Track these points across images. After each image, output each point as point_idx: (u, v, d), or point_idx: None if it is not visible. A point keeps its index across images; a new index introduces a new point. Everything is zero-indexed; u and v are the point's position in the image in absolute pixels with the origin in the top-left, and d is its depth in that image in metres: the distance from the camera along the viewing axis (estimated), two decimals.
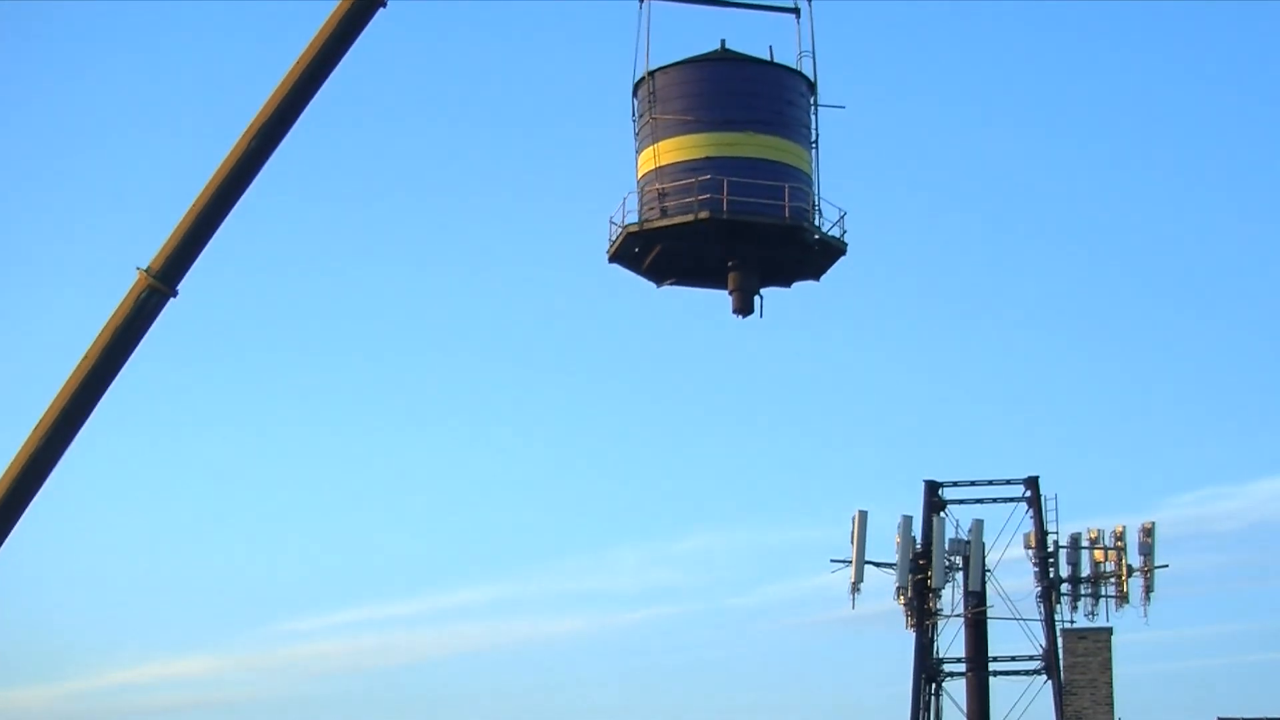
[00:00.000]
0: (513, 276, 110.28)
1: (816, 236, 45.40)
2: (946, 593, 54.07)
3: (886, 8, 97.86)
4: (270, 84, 36.51)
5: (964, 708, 53.80)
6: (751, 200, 44.31)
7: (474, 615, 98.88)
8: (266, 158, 36.12)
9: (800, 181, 45.22)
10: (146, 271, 35.21)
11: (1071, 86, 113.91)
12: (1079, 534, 54.65)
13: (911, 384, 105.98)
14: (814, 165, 46.00)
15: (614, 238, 45.98)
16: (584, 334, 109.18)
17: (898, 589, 54.15)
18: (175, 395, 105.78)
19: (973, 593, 53.65)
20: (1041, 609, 54.15)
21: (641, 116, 46.20)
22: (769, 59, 45.89)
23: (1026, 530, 54.60)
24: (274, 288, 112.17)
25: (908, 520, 54.15)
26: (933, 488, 55.06)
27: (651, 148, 45.59)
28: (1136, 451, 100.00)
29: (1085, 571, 54.29)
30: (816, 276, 47.02)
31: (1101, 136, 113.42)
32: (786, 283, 47.06)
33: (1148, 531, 54.05)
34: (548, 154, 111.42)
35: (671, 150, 45.26)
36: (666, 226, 44.85)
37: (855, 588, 53.73)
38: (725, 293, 46.03)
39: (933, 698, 54.54)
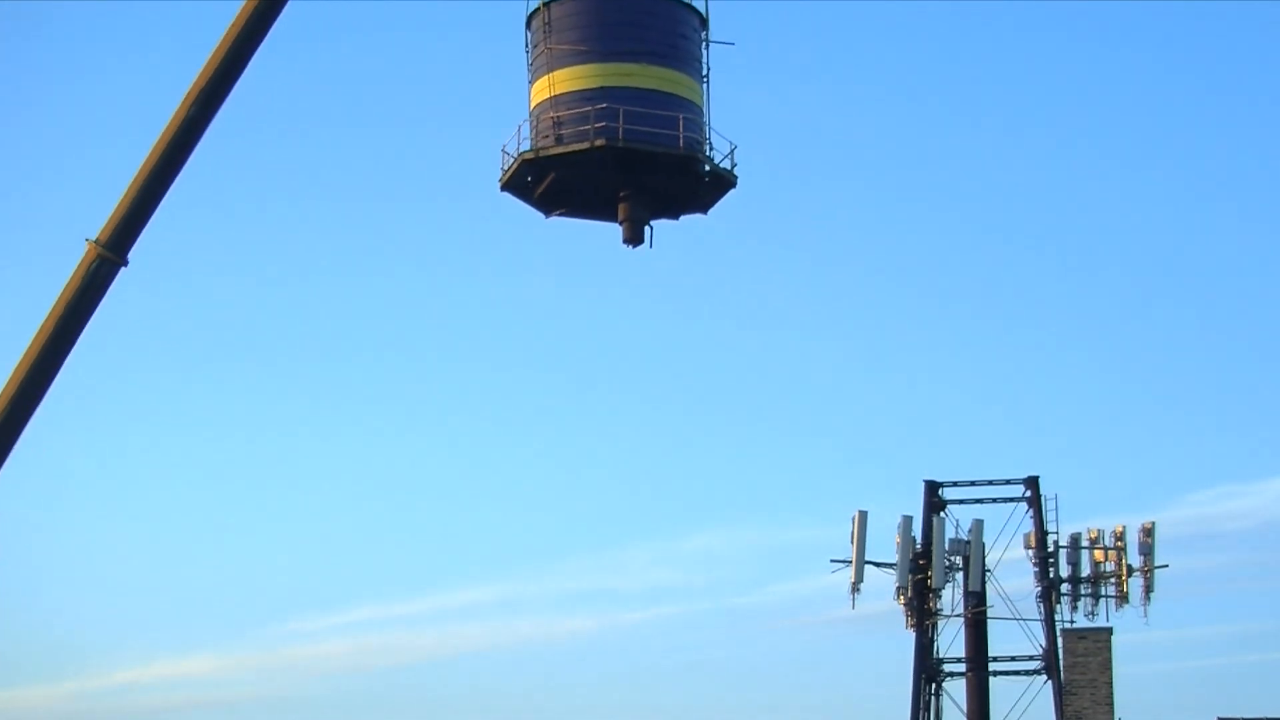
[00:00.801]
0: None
1: (708, 168, 46.01)
2: (946, 593, 54.37)
3: None
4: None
5: (964, 708, 54.14)
6: (647, 130, 44.81)
7: (478, 615, 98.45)
8: (207, 123, 36.51)
9: (693, 113, 45.84)
10: (95, 242, 35.67)
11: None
12: (1079, 534, 54.97)
13: (904, 381, 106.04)
14: (705, 99, 46.65)
15: (506, 166, 46.23)
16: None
17: (898, 589, 54.30)
18: (179, 395, 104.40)
19: (973, 593, 53.96)
20: (1041, 609, 54.50)
21: (536, 47, 46.52)
22: None
23: (1026, 530, 54.91)
24: (275, 286, 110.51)
25: (908, 520, 54.27)
26: (932, 488, 55.20)
27: (546, 77, 45.90)
28: (1136, 451, 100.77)
29: (1085, 571, 54.59)
30: (705, 210, 47.67)
31: (1061, 111, 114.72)
32: (675, 215, 47.65)
33: (1148, 531, 54.37)
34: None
35: (566, 80, 45.62)
36: (562, 154, 45.21)
37: (855, 588, 53.77)
38: (613, 225, 46.53)
39: (933, 698, 54.79)
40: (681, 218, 47.79)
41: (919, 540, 54.42)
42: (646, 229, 46.37)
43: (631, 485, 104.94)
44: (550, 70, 45.86)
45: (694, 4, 46.69)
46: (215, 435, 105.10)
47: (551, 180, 46.08)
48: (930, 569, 53.91)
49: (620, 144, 44.67)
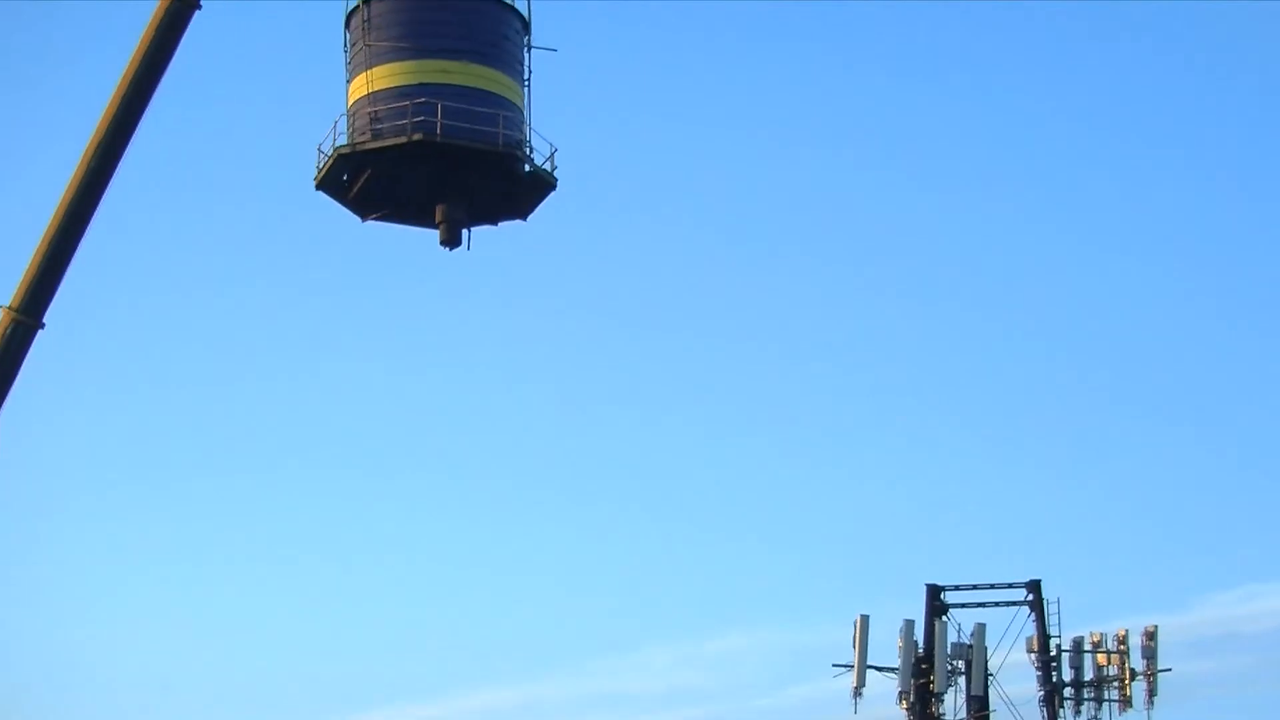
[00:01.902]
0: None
1: (529, 168, 45.49)
2: (949, 697, 53.37)
3: None
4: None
5: None
6: (466, 126, 44.25)
7: (498, 717, 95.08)
8: (108, 177, 36.47)
9: (513, 113, 45.38)
10: (9, 308, 35.76)
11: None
12: (1081, 638, 54.31)
13: (905, 484, 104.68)
14: (526, 102, 46.21)
15: (322, 164, 45.38)
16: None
17: (900, 693, 53.15)
18: (188, 503, 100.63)
19: (975, 697, 53.10)
20: (1045, 713, 53.61)
21: (354, 45, 45.87)
22: None
23: (1029, 634, 54.08)
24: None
25: (909, 624, 53.40)
26: (934, 591, 54.30)
27: (365, 74, 45.23)
28: (1138, 555, 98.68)
29: (1088, 675, 53.93)
30: (524, 216, 47.09)
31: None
32: (494, 221, 47.02)
33: (1150, 635, 53.82)
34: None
35: (385, 76, 45.00)
36: (379, 149, 44.48)
37: (857, 692, 52.75)
38: (430, 230, 45.83)
39: None
40: (501, 223, 47.18)
41: (921, 644, 53.56)
42: (464, 232, 45.78)
43: (650, 587, 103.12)
44: (369, 67, 45.20)
45: (517, 7, 46.41)
46: (216, 536, 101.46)
47: (368, 179, 45.28)
48: (933, 673, 53.02)
49: (438, 139, 44.05)
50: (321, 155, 45.40)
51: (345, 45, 46.20)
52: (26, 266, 36.21)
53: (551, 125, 46.54)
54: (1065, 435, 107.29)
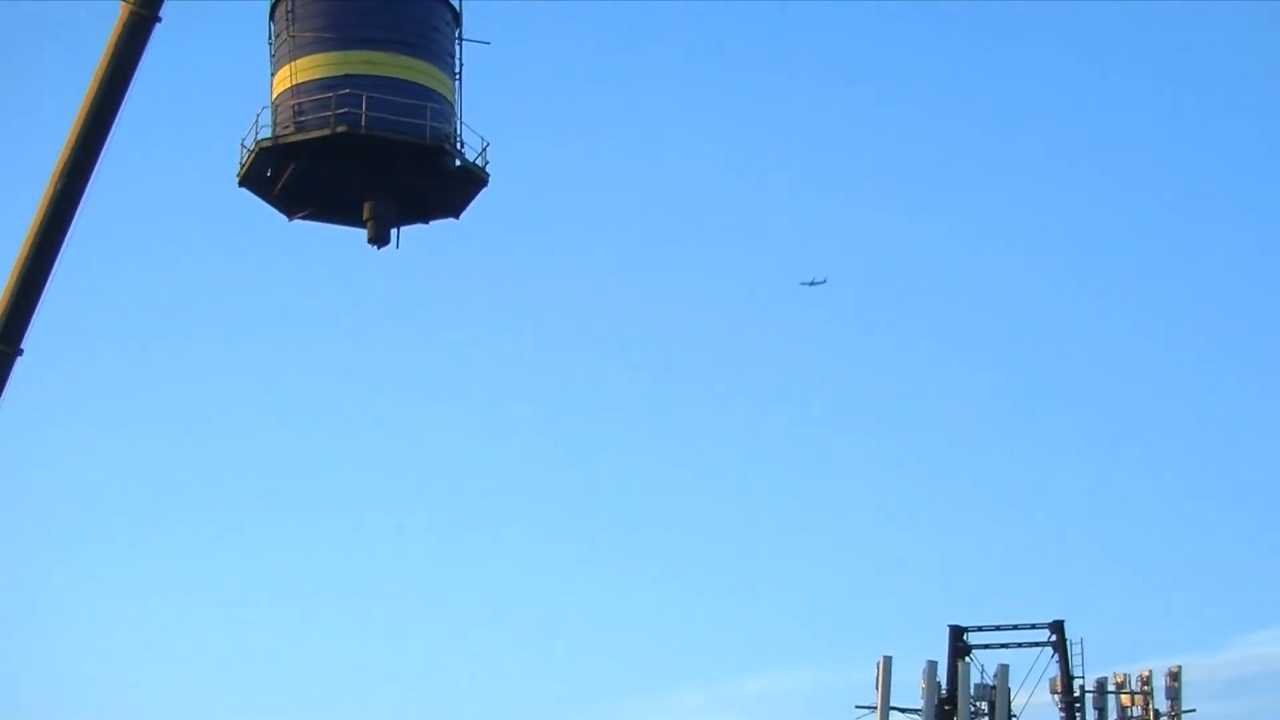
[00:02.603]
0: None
1: (458, 163, 43.89)
2: None
3: None
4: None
5: None
6: (392, 117, 42.67)
7: None
8: (77, 201, 35.85)
9: (442, 105, 43.79)
10: None
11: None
12: (1105, 679, 54.25)
13: (936, 525, 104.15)
14: (457, 95, 44.65)
15: (244, 159, 43.75)
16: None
17: None
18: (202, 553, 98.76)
19: None
20: None
21: (278, 36, 44.33)
22: None
23: (1052, 675, 53.99)
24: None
25: (932, 665, 53.19)
26: (957, 632, 54.22)
27: (288, 66, 43.66)
28: (1162, 596, 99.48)
29: (1112, 716, 53.88)
30: (457, 214, 45.47)
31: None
32: (425, 219, 45.40)
33: (1174, 676, 53.69)
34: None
35: (309, 68, 43.41)
36: (302, 141, 42.85)
37: None
38: (359, 229, 44.21)
39: None
40: (432, 221, 45.55)
41: (944, 685, 53.38)
42: (393, 231, 44.17)
43: (681, 629, 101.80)
44: (293, 59, 43.64)
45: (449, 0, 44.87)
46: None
47: (292, 174, 43.63)
48: (956, 714, 52.88)
49: (363, 130, 42.44)
50: (244, 151, 43.78)
51: (269, 38, 44.64)
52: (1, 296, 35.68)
53: (485, 120, 45.10)
54: (1088, 475, 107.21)
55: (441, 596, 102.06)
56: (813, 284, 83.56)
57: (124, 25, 36.31)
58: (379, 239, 43.85)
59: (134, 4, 36.24)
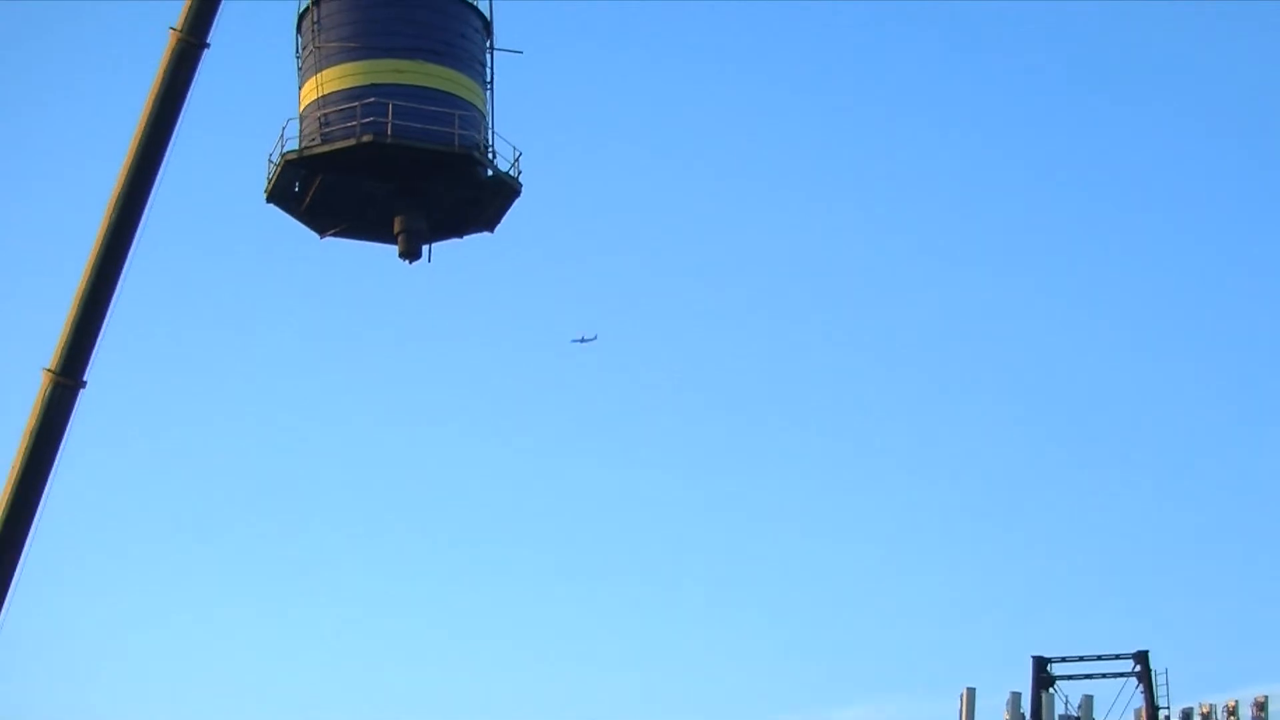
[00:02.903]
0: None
1: (490, 173, 42.60)
2: None
3: None
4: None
5: None
6: (419, 126, 41.45)
7: None
8: (133, 230, 35.63)
9: (471, 113, 42.53)
10: (49, 370, 35.30)
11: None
12: (1191, 709, 53.55)
13: (1020, 556, 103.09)
14: (489, 104, 43.40)
15: (271, 174, 42.69)
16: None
17: None
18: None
19: None
20: None
21: (305, 48, 43.27)
22: None
23: (1137, 705, 53.52)
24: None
25: (1016, 696, 52.93)
26: (1041, 663, 53.74)
27: (315, 77, 42.58)
28: (1248, 624, 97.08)
29: None
30: (491, 227, 44.18)
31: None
32: (459, 233, 44.14)
33: (1261, 705, 53.03)
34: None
35: (335, 78, 42.31)
36: (327, 153, 41.70)
37: None
38: (390, 244, 43.02)
39: None
40: (466, 236, 44.28)
41: (1028, 716, 53.09)
42: (425, 245, 42.94)
43: (776, 661, 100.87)
44: (319, 70, 42.55)
45: (478, 6, 43.65)
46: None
47: (320, 187, 42.47)
48: None
49: (389, 140, 41.25)
50: (271, 166, 42.73)
51: (297, 50, 43.62)
52: (62, 328, 35.50)
53: (519, 129, 43.82)
54: (1172, 504, 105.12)
55: (487, 623, 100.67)
56: (583, 341, 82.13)
57: (172, 53, 35.83)
58: (410, 253, 42.63)
59: (182, 31, 35.77)
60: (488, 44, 43.78)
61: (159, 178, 35.88)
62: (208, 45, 36.12)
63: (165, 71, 35.86)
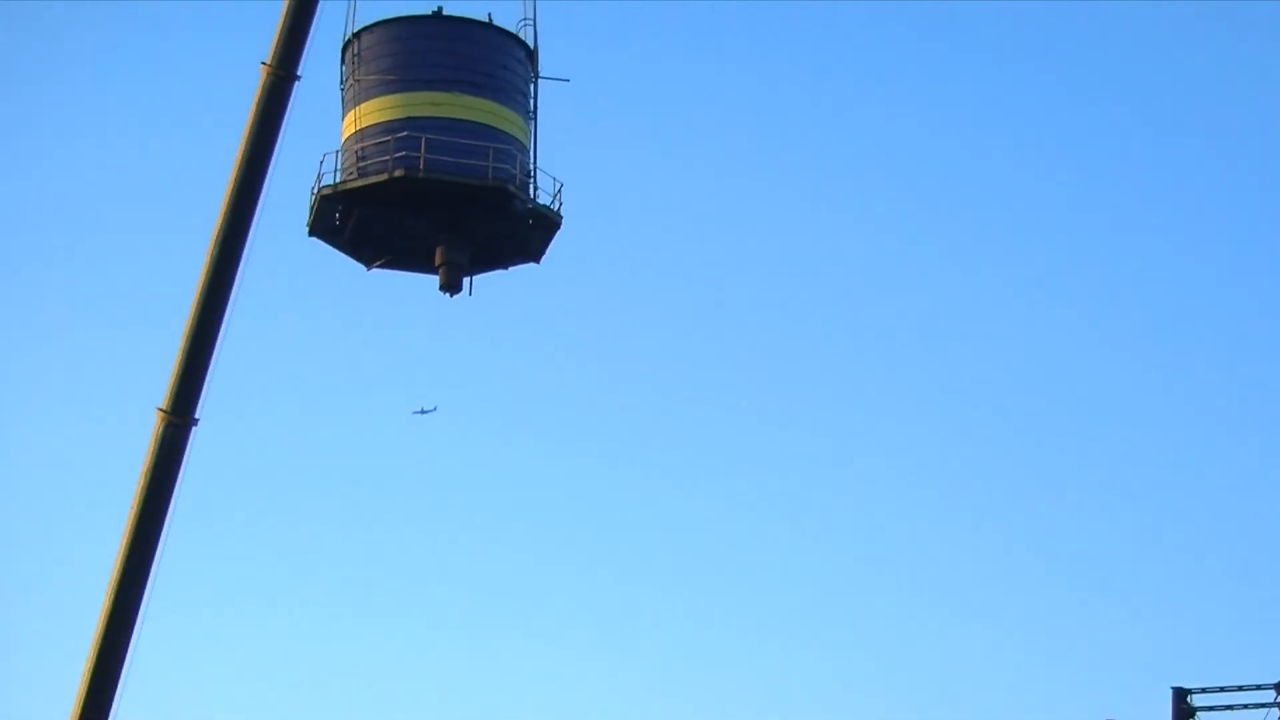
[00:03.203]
0: None
1: (529, 206, 42.10)
2: None
3: None
4: None
5: None
6: (451, 159, 41.11)
7: None
8: (235, 265, 35.76)
9: (510, 145, 42.04)
10: (161, 409, 35.50)
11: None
12: None
13: (1158, 582, 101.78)
14: (532, 136, 42.88)
15: (311, 207, 42.62)
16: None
17: None
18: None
19: None
20: None
21: (346, 80, 43.17)
22: (484, 21, 43.06)
23: None
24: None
25: None
26: (1181, 694, 51.31)
27: (354, 110, 42.48)
28: None
29: None
30: (537, 258, 43.69)
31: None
32: (504, 265, 43.73)
33: None
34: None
35: (373, 111, 42.17)
36: (362, 187, 41.55)
37: None
38: (434, 275, 42.81)
39: None
40: (511, 268, 43.84)
41: None
42: (466, 277, 42.62)
43: (907, 688, 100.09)
44: (358, 103, 42.46)
45: (521, 36, 43.16)
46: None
47: (358, 220, 42.39)
48: None
49: (420, 174, 40.97)
50: (314, 199, 42.66)
51: (340, 81, 43.52)
52: (172, 366, 35.64)
53: (566, 161, 43.28)
54: None
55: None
56: (423, 412, 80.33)
57: (264, 88, 35.87)
58: (451, 286, 42.34)
59: (273, 65, 35.80)
60: (532, 74, 43.28)
61: (258, 214, 36.01)
62: (299, 77, 36.10)
63: (258, 107, 35.90)
